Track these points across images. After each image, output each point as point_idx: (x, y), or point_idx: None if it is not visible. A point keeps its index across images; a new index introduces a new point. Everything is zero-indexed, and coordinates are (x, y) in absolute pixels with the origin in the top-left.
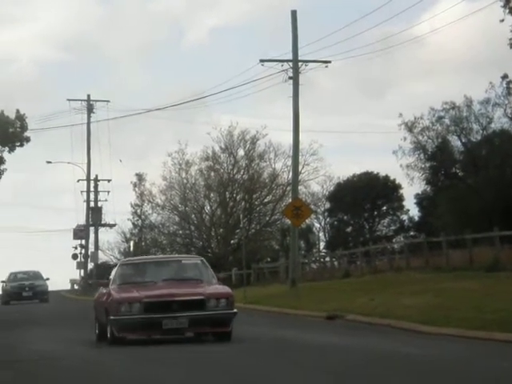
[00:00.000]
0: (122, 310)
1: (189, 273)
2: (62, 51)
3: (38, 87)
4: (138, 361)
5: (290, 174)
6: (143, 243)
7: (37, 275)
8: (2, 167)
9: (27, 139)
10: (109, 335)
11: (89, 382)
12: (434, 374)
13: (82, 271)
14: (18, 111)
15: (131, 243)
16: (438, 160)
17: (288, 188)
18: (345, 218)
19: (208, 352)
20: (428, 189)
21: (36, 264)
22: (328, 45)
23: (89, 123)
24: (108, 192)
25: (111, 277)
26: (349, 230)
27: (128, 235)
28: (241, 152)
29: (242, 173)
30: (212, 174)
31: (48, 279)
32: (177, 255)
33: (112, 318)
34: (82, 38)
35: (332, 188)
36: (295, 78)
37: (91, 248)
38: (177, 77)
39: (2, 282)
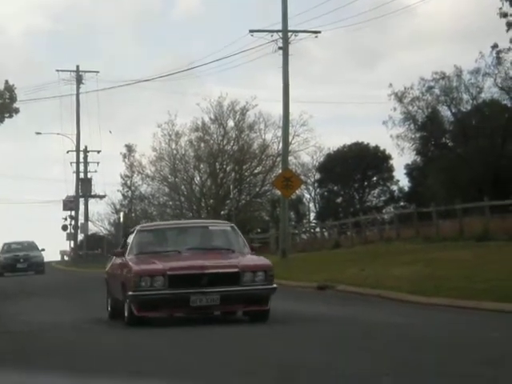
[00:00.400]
0: (142, 285)
1: (217, 241)
2: (50, 21)
3: (26, 58)
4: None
5: (280, 144)
6: (133, 214)
7: (32, 246)
8: None
9: (16, 110)
10: (126, 313)
11: (78, 354)
12: (421, 343)
13: (72, 242)
14: (6, 82)
15: (121, 214)
16: (427, 130)
17: (278, 159)
18: (335, 188)
19: (204, 325)
20: (418, 159)
21: (26, 235)
22: (319, 14)
23: (78, 94)
24: (98, 163)
25: (128, 245)
26: (339, 200)
27: (118, 206)
28: (231, 123)
29: (231, 144)
30: (202, 144)
31: (43, 250)
32: (203, 220)
33: (131, 293)
34: (70, 8)
35: (322, 159)
36: (285, 49)
37: (81, 219)
38: (167, 47)
39: None
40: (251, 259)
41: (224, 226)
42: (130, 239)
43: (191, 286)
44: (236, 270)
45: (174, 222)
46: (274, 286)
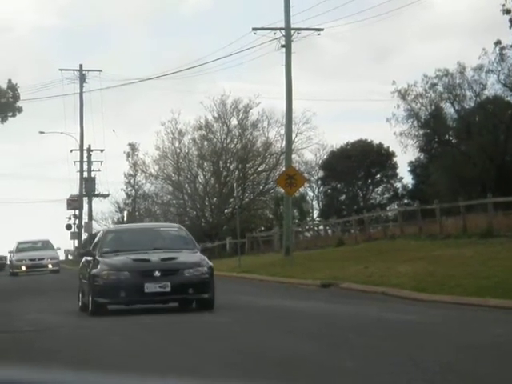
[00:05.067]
0: None
1: None
2: (56, 18)
3: (31, 56)
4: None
5: (284, 142)
6: (137, 213)
7: (176, 239)
8: None
9: (19, 109)
10: None
11: (83, 352)
12: (423, 339)
13: (76, 241)
14: (9, 81)
15: (125, 213)
16: (431, 127)
17: (281, 157)
18: (338, 186)
19: (200, 322)
20: (421, 156)
21: (30, 235)
22: (324, 11)
23: (81, 93)
24: (101, 162)
25: None
26: (342, 198)
27: (121, 205)
28: (234, 121)
29: (235, 142)
30: (205, 143)
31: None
32: None
33: None
34: (77, 5)
35: (325, 156)
36: (287, 47)
37: (85, 218)
38: (170, 46)
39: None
40: None
41: None
42: None
43: None
44: None
45: None
46: None
